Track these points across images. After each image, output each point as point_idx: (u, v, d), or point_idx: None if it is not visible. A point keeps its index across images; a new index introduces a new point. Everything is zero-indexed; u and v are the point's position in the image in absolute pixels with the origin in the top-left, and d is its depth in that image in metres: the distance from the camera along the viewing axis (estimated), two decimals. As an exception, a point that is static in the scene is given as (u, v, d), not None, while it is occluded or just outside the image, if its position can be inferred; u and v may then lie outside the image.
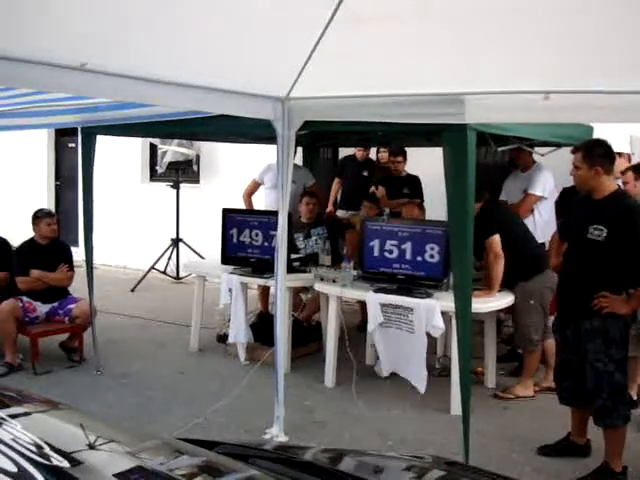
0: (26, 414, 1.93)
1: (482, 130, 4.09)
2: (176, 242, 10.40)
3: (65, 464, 1.52)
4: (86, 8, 2.85)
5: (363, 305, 6.94)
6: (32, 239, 6.50)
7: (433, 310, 5.14)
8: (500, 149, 5.93)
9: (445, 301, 5.07)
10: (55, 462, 1.51)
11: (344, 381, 5.66)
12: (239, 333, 6.32)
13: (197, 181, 11.07)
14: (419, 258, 5.45)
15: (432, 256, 5.39)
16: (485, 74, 3.54)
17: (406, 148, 7.74)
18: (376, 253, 5.64)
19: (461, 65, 3.46)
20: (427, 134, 5.80)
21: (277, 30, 3.31)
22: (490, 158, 8.35)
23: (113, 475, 1.56)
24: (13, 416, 1.74)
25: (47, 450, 1.52)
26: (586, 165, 4.08)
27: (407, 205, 6.80)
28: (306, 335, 6.67)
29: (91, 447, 1.82)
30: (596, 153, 4.10)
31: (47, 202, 12.25)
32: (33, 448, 1.52)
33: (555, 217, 6.17)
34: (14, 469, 1.43)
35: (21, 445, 1.51)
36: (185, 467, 1.85)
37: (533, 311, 5.35)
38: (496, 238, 5.36)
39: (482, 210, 5.51)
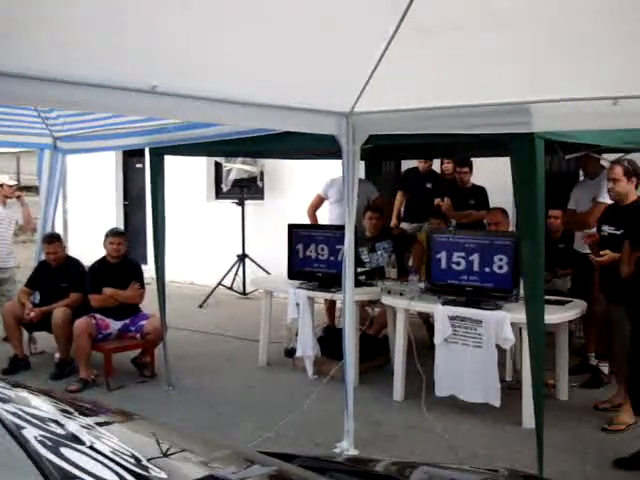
0: (107, 424, 1.97)
1: (549, 138, 4.04)
2: (242, 258, 10.52)
3: (163, 475, 1.55)
4: (154, 33, 2.94)
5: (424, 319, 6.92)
6: (104, 257, 6.68)
7: (503, 322, 5.07)
8: (567, 157, 5.84)
9: (515, 313, 5.00)
10: (153, 473, 1.54)
11: (413, 394, 5.63)
12: (307, 347, 6.35)
13: (261, 198, 11.20)
14: (487, 269, 5.38)
15: (501, 267, 5.31)
16: (551, 82, 3.50)
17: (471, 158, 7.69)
18: (443, 265, 5.59)
19: (526, 73, 3.43)
20: (493, 144, 5.74)
21: (340, 45, 3.34)
22: (555, 166, 8.22)
23: None
24: (101, 426, 1.79)
25: (145, 462, 1.55)
26: None
27: (492, 212, 6.65)
28: (373, 349, 6.65)
29: (165, 455, 1.85)
30: None
31: (116, 221, 12.57)
32: (132, 460, 1.55)
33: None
34: None
35: (120, 457, 1.54)
36: (257, 476, 1.87)
37: None
38: None
39: None
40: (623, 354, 4.61)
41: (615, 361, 5.03)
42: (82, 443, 1.56)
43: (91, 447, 1.54)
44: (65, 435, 1.59)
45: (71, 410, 1.86)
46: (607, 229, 4.87)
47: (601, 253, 4.84)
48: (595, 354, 6.13)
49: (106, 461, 1.47)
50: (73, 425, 1.70)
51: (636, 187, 4.87)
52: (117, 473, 1.44)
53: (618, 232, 4.72)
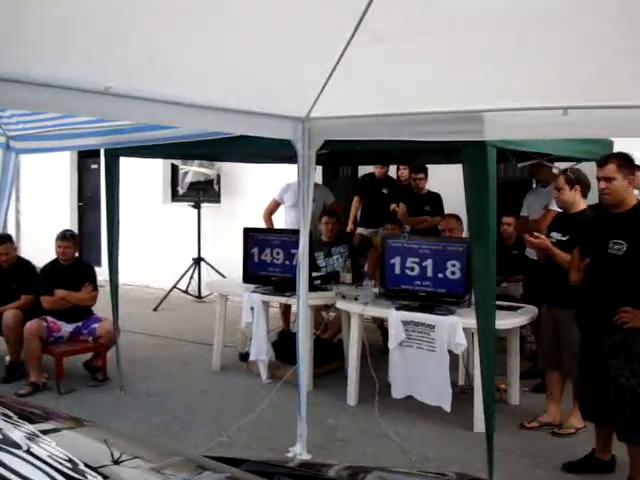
0: (55, 430, 1.95)
1: (501, 147, 4.10)
2: (198, 261, 10.46)
3: None
4: (108, 33, 2.91)
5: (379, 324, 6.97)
6: (56, 259, 6.58)
7: (455, 327, 5.12)
8: (520, 165, 5.93)
9: (467, 318, 5.06)
10: (90, 478, 1.53)
11: (366, 399, 5.65)
12: (260, 351, 6.34)
13: (218, 201, 11.15)
14: (440, 275, 5.43)
15: (453, 273, 5.37)
16: (503, 91, 3.55)
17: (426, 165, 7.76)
18: (397, 271, 5.63)
19: (480, 82, 3.48)
20: (447, 151, 5.80)
21: (297, 51, 3.34)
22: (509, 173, 8.35)
23: None
24: (45, 432, 1.77)
25: (81, 467, 1.54)
26: (621, 175, 4.06)
27: (445, 218, 6.71)
28: (328, 353, 6.66)
29: (116, 463, 1.84)
30: (629, 164, 4.12)
31: (70, 223, 12.37)
32: (69, 464, 1.54)
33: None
34: None
35: (57, 461, 1.53)
36: None
37: None
38: None
39: None
40: (573, 361, 4.65)
41: (564, 367, 5.08)
42: (19, 447, 1.54)
43: (28, 451, 1.52)
44: (1, 439, 1.58)
45: (11, 414, 1.84)
46: (555, 236, 4.98)
47: (535, 234, 4.99)
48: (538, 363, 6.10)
49: (41, 465, 1.46)
50: (11, 429, 1.68)
51: (584, 195, 4.96)
52: (51, 476, 1.43)
53: (564, 239, 4.87)
